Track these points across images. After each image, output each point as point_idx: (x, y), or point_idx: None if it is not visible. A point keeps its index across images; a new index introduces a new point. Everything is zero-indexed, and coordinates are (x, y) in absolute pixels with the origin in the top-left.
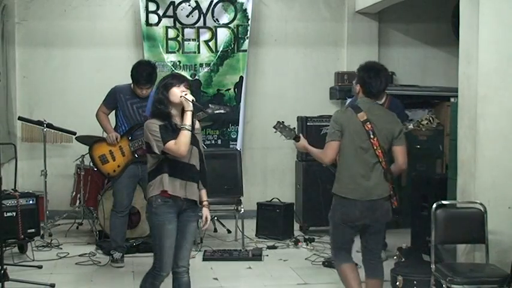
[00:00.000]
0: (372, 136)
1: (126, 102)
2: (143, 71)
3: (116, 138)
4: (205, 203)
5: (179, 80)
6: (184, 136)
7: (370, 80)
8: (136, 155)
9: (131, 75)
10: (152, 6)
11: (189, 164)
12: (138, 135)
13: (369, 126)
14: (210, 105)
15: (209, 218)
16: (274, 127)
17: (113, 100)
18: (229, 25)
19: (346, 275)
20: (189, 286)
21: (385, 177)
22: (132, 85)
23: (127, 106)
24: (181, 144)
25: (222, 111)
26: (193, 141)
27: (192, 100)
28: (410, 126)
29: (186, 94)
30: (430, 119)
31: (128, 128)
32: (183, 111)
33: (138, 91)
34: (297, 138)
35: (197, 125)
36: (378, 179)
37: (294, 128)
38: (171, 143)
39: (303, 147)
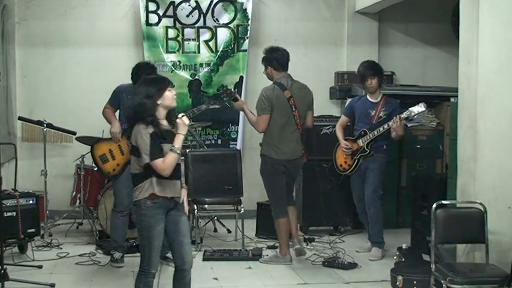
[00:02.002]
0: (293, 109)
1: (128, 102)
2: (143, 73)
3: (120, 135)
4: (184, 185)
5: (165, 82)
6: (174, 159)
7: (274, 55)
8: None
9: (132, 78)
10: (152, 6)
11: (177, 164)
12: None
13: (292, 101)
14: (207, 100)
15: (185, 199)
16: (219, 91)
17: (117, 99)
18: (229, 25)
19: (281, 227)
20: (190, 285)
21: (301, 140)
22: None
23: (128, 105)
24: (168, 166)
25: (217, 106)
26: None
27: (188, 124)
28: (403, 116)
29: (183, 116)
30: (422, 105)
31: (128, 127)
32: (168, 113)
33: None
34: (235, 99)
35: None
36: (296, 143)
37: (235, 91)
38: (158, 162)
39: (240, 107)
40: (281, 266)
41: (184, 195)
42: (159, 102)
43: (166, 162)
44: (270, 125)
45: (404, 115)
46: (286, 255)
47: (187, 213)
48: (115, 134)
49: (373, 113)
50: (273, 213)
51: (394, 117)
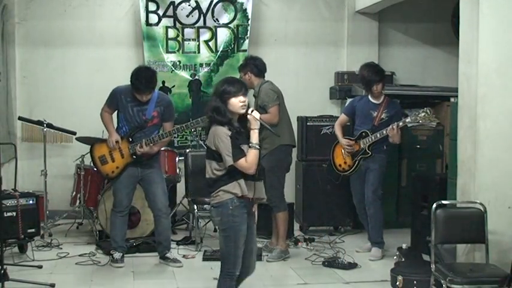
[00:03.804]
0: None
1: (126, 104)
2: (142, 78)
3: (117, 142)
4: None
5: (237, 88)
6: (255, 155)
7: (256, 62)
8: (134, 157)
9: (131, 81)
10: (152, 6)
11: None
12: (138, 138)
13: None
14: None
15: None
16: None
17: (114, 101)
18: (229, 25)
19: (285, 220)
20: None
21: None
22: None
23: (127, 108)
24: (252, 164)
25: None
26: None
27: (260, 118)
28: (408, 120)
29: (252, 111)
30: (428, 111)
31: (128, 130)
32: (239, 117)
33: (139, 97)
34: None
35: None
36: None
37: None
38: (242, 161)
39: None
40: (281, 266)
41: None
42: (228, 107)
43: (249, 161)
44: (280, 114)
45: (401, 123)
46: (287, 248)
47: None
48: (111, 142)
49: (374, 114)
50: (276, 207)
51: (391, 125)
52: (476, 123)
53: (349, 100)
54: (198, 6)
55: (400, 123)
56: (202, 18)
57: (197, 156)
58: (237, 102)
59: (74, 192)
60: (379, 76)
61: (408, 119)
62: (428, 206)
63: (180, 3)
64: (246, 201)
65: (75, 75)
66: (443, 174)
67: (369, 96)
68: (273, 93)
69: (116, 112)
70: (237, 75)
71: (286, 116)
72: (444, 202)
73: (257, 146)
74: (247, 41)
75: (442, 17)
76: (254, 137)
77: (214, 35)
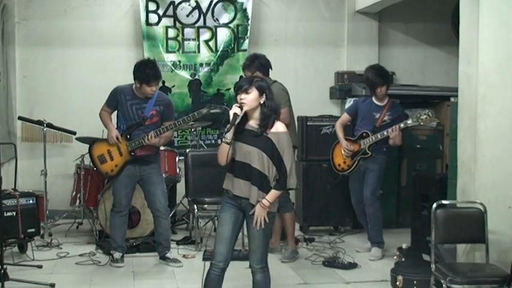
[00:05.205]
0: None
1: (126, 103)
2: (149, 69)
3: (117, 138)
4: (263, 201)
5: (240, 85)
6: (222, 148)
7: (265, 61)
8: (133, 154)
9: (137, 76)
10: (152, 6)
11: (241, 162)
12: (136, 135)
13: None
14: (208, 104)
15: (258, 214)
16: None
17: (114, 100)
18: (229, 25)
19: (292, 219)
20: (265, 284)
21: None
22: (134, 85)
23: (127, 107)
24: (218, 154)
25: (218, 110)
26: (256, 143)
27: (234, 114)
28: (410, 122)
29: (237, 105)
30: (429, 113)
31: (126, 128)
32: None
33: (148, 90)
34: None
35: (281, 127)
36: None
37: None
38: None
39: None
40: (281, 266)
41: (269, 195)
42: None
43: (218, 152)
44: (290, 114)
45: (402, 125)
46: (296, 248)
47: (256, 217)
48: (112, 138)
49: (377, 116)
50: (283, 207)
51: (393, 126)
52: (476, 123)
53: (350, 99)
54: (198, 6)
55: (402, 125)
56: (202, 18)
57: (197, 156)
58: (238, 99)
59: (74, 192)
60: (383, 79)
61: (409, 121)
62: (428, 206)
63: (180, 3)
64: (232, 194)
65: (75, 75)
66: (443, 174)
67: (373, 98)
68: (285, 94)
69: (115, 112)
70: (237, 75)
71: (293, 117)
72: (444, 202)
73: (225, 140)
74: (247, 40)
75: (442, 17)
76: (228, 131)
77: (214, 35)
